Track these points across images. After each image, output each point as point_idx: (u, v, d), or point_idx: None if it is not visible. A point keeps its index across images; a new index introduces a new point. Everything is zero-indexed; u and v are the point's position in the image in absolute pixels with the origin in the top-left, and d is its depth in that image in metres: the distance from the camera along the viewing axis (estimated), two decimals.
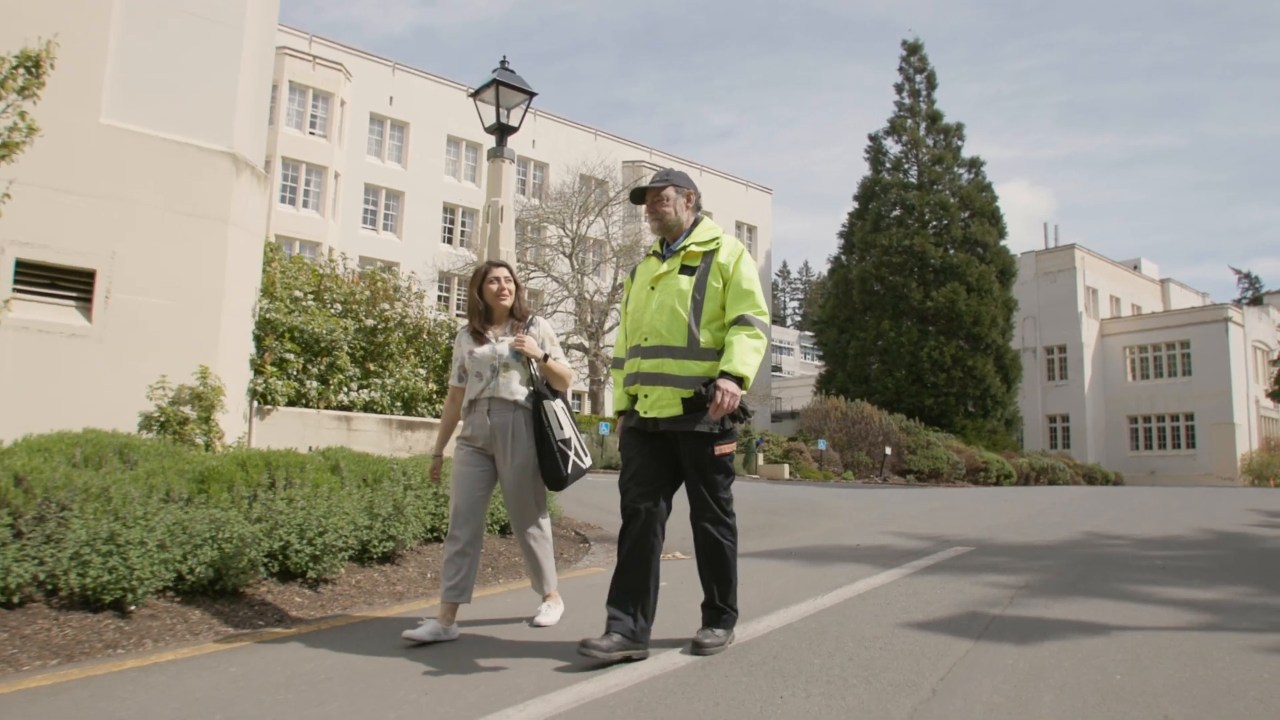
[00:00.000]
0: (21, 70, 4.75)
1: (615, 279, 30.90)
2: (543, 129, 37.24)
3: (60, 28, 6.04)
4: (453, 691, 2.95)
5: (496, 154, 8.91)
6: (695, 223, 3.65)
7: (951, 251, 34.34)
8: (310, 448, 5.91)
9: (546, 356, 3.93)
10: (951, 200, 34.94)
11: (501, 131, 8.89)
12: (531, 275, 29.44)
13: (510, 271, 4.10)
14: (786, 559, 6.21)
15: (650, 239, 33.25)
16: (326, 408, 7.41)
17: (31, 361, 5.99)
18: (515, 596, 4.78)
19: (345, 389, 7.48)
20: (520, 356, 3.91)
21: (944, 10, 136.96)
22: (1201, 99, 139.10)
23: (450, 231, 35.35)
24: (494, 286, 4.01)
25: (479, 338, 3.98)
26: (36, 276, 6.16)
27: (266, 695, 2.95)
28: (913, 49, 38.34)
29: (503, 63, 9.10)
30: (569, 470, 3.84)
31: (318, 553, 4.61)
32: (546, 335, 4.05)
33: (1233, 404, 37.48)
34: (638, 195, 3.68)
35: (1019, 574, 5.40)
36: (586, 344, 29.93)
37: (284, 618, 4.19)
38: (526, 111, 9.08)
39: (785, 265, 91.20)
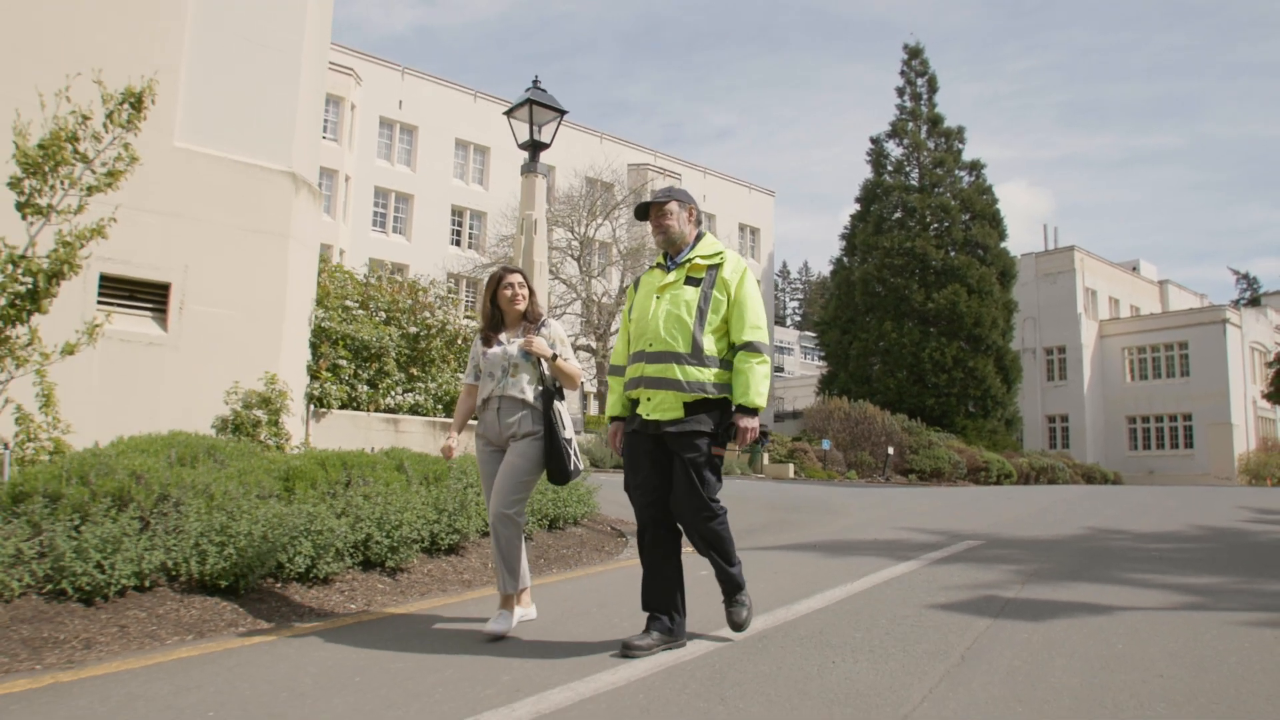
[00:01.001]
0: (126, 106, 5.22)
1: (622, 281, 31.39)
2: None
3: (137, 57, 6.54)
4: (551, 662, 3.43)
5: (530, 169, 9.41)
6: (699, 237, 3.83)
7: (952, 253, 34.81)
8: (372, 448, 6.39)
9: (555, 356, 4.09)
10: (952, 203, 35.41)
11: (534, 148, 9.38)
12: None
13: (524, 277, 4.30)
14: (811, 551, 6.69)
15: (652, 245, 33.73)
16: (376, 410, 7.90)
17: (115, 368, 6.47)
18: (574, 584, 5.28)
19: (391, 393, 7.97)
20: (530, 357, 4.08)
21: (943, 10, 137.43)
22: (1201, 99, 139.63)
23: (458, 234, 35.80)
24: (508, 292, 4.19)
25: (490, 340, 4.19)
26: (117, 289, 6.64)
27: (390, 664, 3.43)
28: (914, 53, 38.81)
29: (535, 82, 9.59)
30: (572, 468, 4.04)
31: (395, 544, 5.09)
32: (557, 336, 4.21)
33: (1230, 404, 37.97)
34: (642, 211, 3.87)
35: (1027, 564, 5.90)
36: (594, 345, 30.43)
37: (373, 601, 4.68)
38: (558, 128, 9.58)
39: (785, 265, 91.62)
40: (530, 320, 4.23)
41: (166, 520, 4.39)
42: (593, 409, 32.71)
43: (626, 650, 3.47)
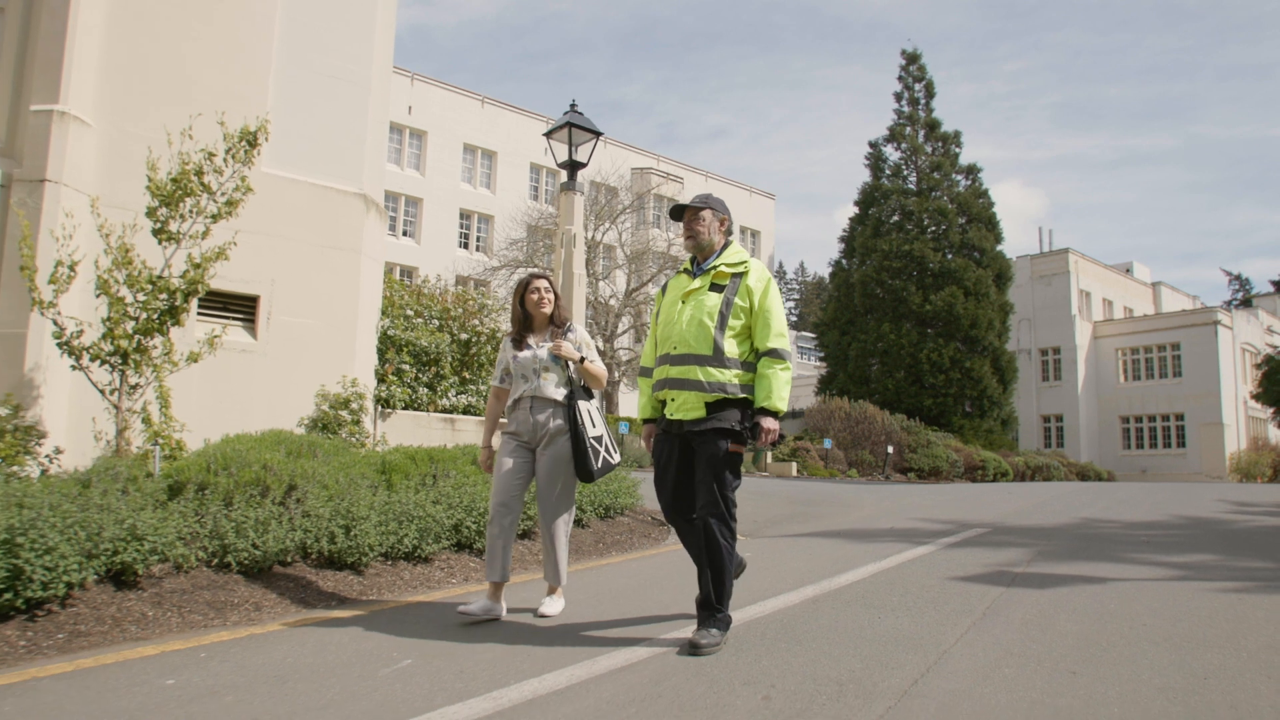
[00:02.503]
0: (243, 144, 5.95)
1: (628, 284, 32.15)
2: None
3: (230, 92, 7.28)
4: (652, 616, 4.17)
5: (569, 187, 10.12)
6: (725, 245, 4.00)
7: (949, 256, 35.57)
8: (447, 444, 7.12)
9: (583, 359, 4.37)
10: (949, 206, 36.13)
11: (572, 167, 10.09)
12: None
13: (550, 283, 4.52)
14: (836, 538, 7.44)
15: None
16: (434, 410, 8.64)
17: (213, 373, 7.19)
18: (640, 563, 6.03)
19: (447, 395, 8.70)
20: (559, 360, 4.34)
21: (938, 12, 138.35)
22: (1193, 100, 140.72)
23: (466, 237, 36.52)
24: (535, 296, 4.44)
25: (520, 343, 4.43)
26: (212, 302, 7.37)
27: (510, 621, 4.17)
28: (912, 58, 39.56)
29: (573, 105, 10.29)
30: (599, 465, 4.26)
31: (482, 529, 5.82)
32: (583, 340, 4.47)
33: (1221, 405, 38.79)
34: (677, 212, 4.02)
35: (1031, 546, 6.66)
36: (601, 346, 31.18)
37: (470, 577, 5.42)
38: (595, 148, 10.29)
39: (781, 266, 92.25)
40: (557, 324, 4.48)
41: (300, 506, 5.12)
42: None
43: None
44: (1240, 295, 68.32)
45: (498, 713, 2.77)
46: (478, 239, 36.65)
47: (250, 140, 5.99)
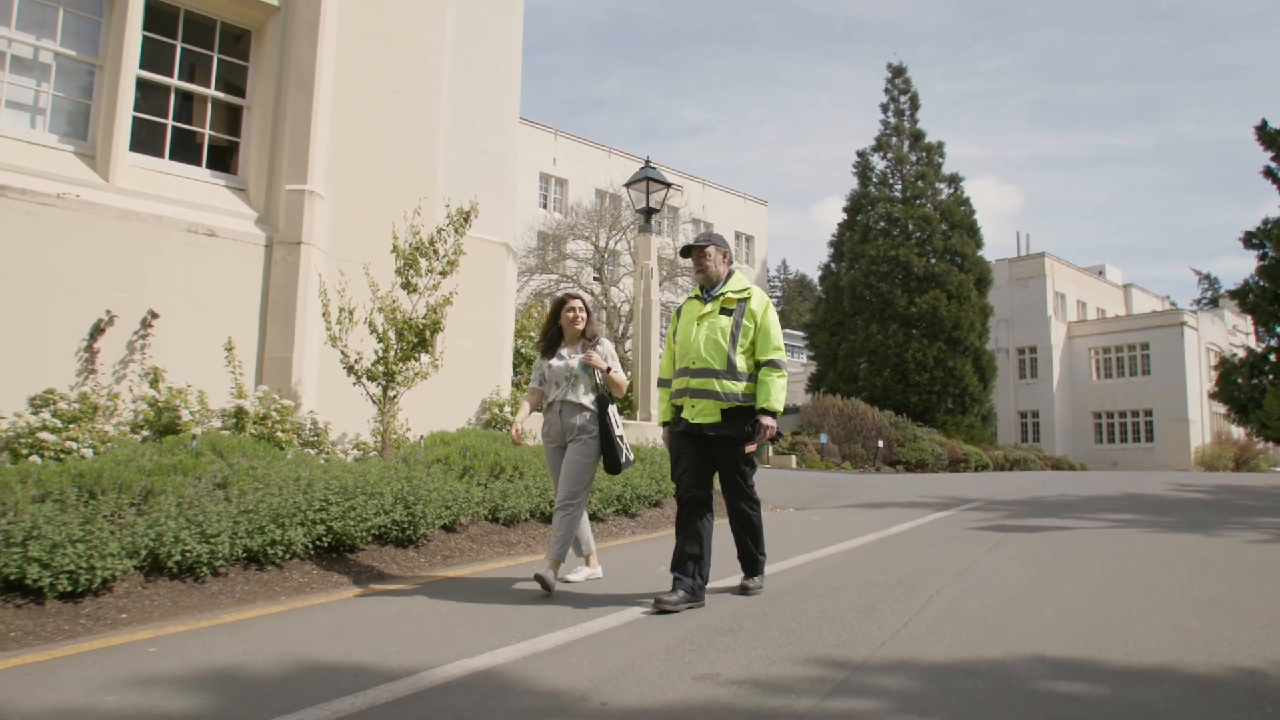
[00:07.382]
0: (460, 218, 8.23)
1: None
2: (562, 148, 40.74)
3: (410, 167, 9.55)
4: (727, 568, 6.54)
5: (645, 229, 12.50)
6: (730, 274, 4.64)
7: (933, 261, 37.80)
8: None
9: (609, 370, 4.96)
10: (933, 214, 38.25)
11: (648, 213, 12.45)
12: (560, 287, 32.92)
13: (584, 302, 5.09)
14: (873, 508, 9.86)
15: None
16: None
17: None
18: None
19: None
20: (588, 369, 4.91)
21: (918, 10, 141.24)
22: (1169, 100, 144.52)
23: None
24: (570, 314, 5.03)
25: (552, 353, 5.08)
26: None
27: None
28: (897, 71, 41.65)
29: (647, 161, 12.66)
30: (624, 459, 4.94)
31: (634, 498, 8.16)
32: (609, 352, 5.04)
33: (1187, 402, 41.10)
34: (686, 251, 4.68)
35: (1018, 511, 9.12)
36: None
37: (623, 531, 7.75)
38: (667, 195, 12.62)
39: (765, 266, 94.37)
40: (588, 338, 5.05)
41: (524, 480, 7.43)
42: None
43: (657, 602, 4.24)
44: (1209, 295, 71.23)
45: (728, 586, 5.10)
46: None
47: (464, 217, 8.27)
